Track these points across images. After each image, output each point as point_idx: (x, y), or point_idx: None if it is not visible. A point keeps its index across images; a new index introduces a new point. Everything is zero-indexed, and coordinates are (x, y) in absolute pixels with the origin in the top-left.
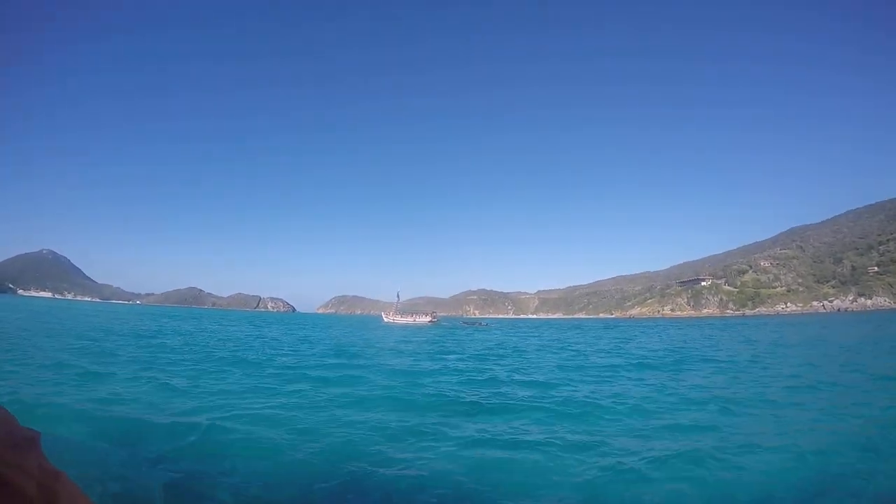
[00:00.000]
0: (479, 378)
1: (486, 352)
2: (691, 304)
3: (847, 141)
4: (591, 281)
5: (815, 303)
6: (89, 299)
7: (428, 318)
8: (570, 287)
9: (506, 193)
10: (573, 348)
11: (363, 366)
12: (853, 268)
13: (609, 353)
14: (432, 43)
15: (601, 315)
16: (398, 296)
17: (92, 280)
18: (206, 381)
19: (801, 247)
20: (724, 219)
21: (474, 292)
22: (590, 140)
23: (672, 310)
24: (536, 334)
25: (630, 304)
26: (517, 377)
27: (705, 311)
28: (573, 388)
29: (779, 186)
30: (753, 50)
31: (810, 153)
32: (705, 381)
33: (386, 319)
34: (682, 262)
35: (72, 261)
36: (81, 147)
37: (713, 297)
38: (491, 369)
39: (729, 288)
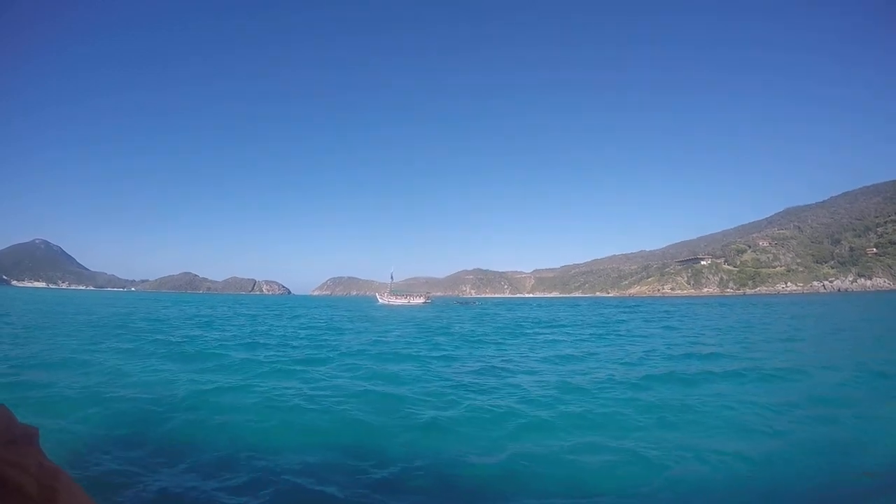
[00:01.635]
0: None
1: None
2: (691, 283)
3: (841, 124)
4: (586, 260)
5: (815, 283)
6: (84, 288)
7: (422, 300)
8: (565, 266)
9: (501, 174)
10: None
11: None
12: (851, 249)
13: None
14: (428, 30)
15: (598, 294)
16: (392, 277)
17: (85, 268)
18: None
19: (799, 227)
20: (720, 199)
21: (470, 272)
22: (585, 122)
23: (672, 289)
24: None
25: (626, 283)
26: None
27: (705, 290)
28: None
29: (773, 167)
30: (751, 36)
31: (805, 135)
32: None
33: (381, 301)
34: (678, 241)
35: (65, 249)
36: (73, 138)
37: (713, 276)
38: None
39: (729, 267)
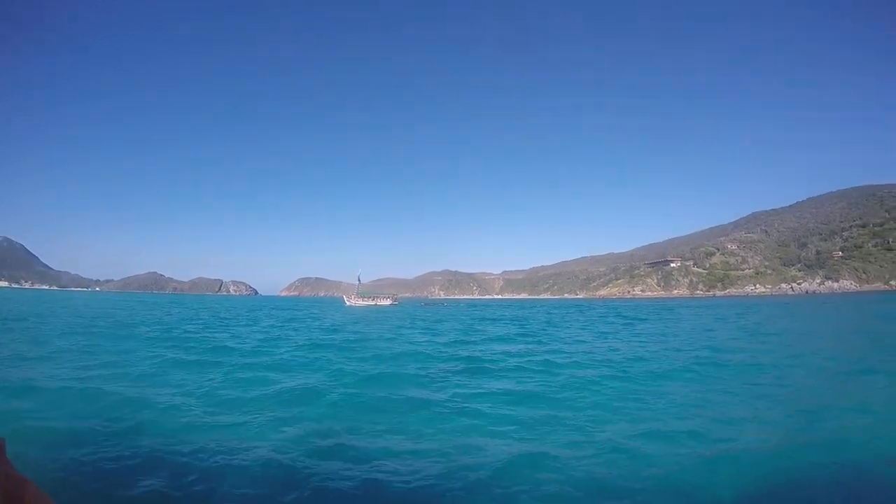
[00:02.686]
0: None
1: None
2: (661, 284)
3: (808, 130)
4: (555, 262)
5: (783, 285)
6: (47, 287)
7: (389, 301)
8: (534, 268)
9: (469, 174)
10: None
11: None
12: (818, 252)
13: None
14: (402, 27)
15: (566, 296)
16: (359, 279)
17: (49, 267)
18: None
19: (766, 231)
20: (687, 202)
21: (439, 273)
22: (553, 123)
23: (642, 290)
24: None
25: (595, 284)
26: None
27: (675, 291)
28: None
29: (739, 172)
30: (715, 38)
31: (772, 140)
32: None
33: (348, 303)
34: (645, 243)
35: (28, 248)
36: (35, 134)
37: (683, 278)
38: None
39: (698, 269)
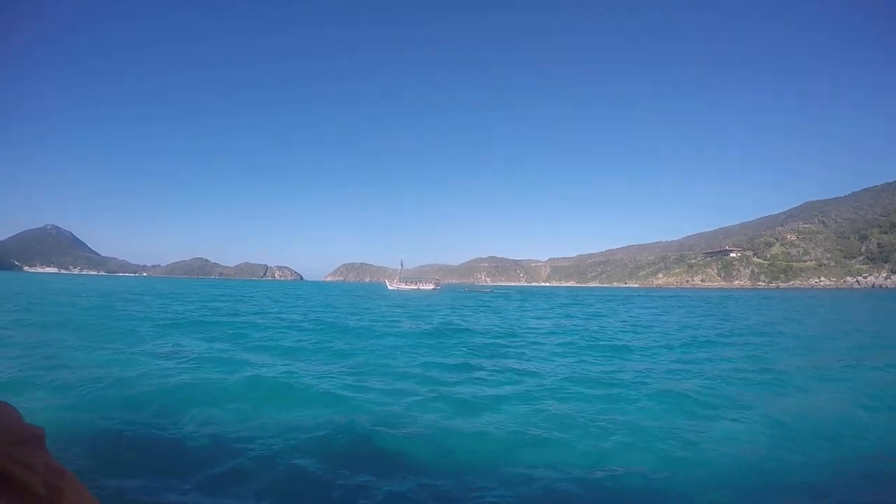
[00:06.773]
0: None
1: None
2: (722, 275)
3: (860, 121)
4: (602, 249)
5: (848, 278)
6: (95, 273)
7: (432, 286)
8: (581, 255)
9: (516, 163)
10: None
11: None
12: (879, 245)
13: None
14: (449, 23)
15: (615, 284)
16: (402, 264)
17: (97, 253)
18: None
19: (824, 222)
20: (734, 192)
21: (485, 260)
22: (600, 112)
23: (702, 280)
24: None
25: (644, 273)
26: None
27: (736, 282)
28: None
29: (788, 161)
30: (777, 29)
31: (823, 130)
32: None
33: (391, 287)
34: (694, 232)
35: (76, 235)
36: (82, 123)
37: (744, 268)
38: None
39: (759, 260)
